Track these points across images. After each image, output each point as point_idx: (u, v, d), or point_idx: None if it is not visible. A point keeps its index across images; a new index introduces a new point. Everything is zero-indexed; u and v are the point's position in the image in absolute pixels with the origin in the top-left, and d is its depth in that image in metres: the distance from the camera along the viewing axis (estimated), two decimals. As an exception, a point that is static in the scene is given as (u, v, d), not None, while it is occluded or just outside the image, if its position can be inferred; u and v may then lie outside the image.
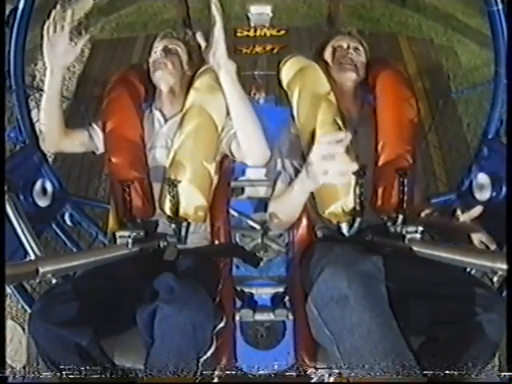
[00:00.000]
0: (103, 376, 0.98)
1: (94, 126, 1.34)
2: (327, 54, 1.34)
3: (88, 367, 0.97)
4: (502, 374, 0.89)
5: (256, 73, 2.47)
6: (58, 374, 0.96)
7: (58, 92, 1.23)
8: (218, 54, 1.06)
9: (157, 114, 1.33)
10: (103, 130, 1.30)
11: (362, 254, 0.96)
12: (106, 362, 1.01)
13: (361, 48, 1.33)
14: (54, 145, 1.34)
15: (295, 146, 1.25)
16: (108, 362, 1.02)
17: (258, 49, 2.87)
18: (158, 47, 1.32)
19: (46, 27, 1.16)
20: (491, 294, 0.96)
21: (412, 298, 1.02)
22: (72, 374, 0.95)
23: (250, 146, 1.18)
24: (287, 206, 1.14)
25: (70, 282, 1.07)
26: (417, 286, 1.03)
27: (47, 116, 1.27)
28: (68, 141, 1.32)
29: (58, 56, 1.18)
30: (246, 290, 1.45)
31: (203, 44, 1.07)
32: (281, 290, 1.43)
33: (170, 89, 1.30)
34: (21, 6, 1.35)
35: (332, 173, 0.84)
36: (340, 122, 1.20)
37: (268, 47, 2.90)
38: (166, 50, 1.30)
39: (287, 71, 1.34)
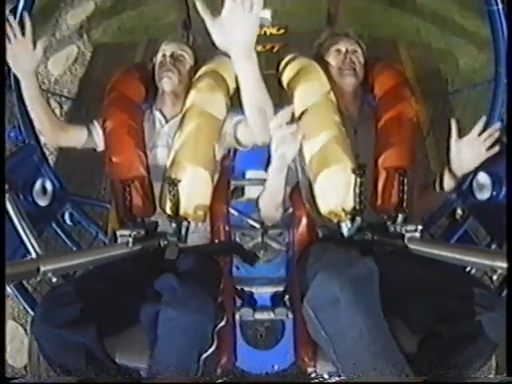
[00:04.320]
0: (106, 376, 0.98)
1: (95, 122, 1.34)
2: (326, 57, 1.35)
3: (91, 368, 0.97)
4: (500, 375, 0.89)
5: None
6: (62, 374, 0.97)
7: (37, 94, 1.25)
8: (245, 38, 0.89)
9: (157, 114, 1.34)
10: (103, 129, 1.31)
11: (355, 256, 0.97)
12: (109, 362, 1.02)
13: (359, 50, 1.34)
14: (50, 140, 1.38)
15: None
16: (111, 363, 1.02)
17: (258, 48, 2.86)
18: (167, 51, 1.32)
19: (6, 36, 1.14)
20: (491, 294, 0.97)
21: (412, 296, 1.02)
22: (76, 375, 0.96)
23: (261, 123, 1.09)
24: (269, 192, 1.18)
25: (71, 284, 1.08)
26: (417, 284, 1.03)
27: (34, 115, 1.30)
28: (65, 135, 1.34)
29: (23, 62, 1.17)
30: (246, 289, 1.45)
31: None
32: (281, 289, 1.43)
33: (172, 91, 1.31)
34: (21, 5, 1.35)
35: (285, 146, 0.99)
36: (340, 122, 1.20)
37: (268, 46, 2.90)
38: (175, 57, 1.31)
39: (287, 71, 1.34)
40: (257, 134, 1.15)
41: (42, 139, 1.43)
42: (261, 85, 1.02)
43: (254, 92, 1.02)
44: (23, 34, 1.15)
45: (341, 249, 1.06)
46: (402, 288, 1.02)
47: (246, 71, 0.98)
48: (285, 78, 1.34)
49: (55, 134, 1.33)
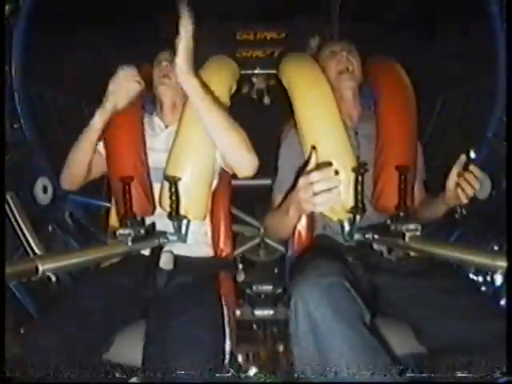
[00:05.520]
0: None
1: (100, 143, 1.34)
2: (323, 59, 1.35)
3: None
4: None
5: (256, 71, 2.46)
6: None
7: (99, 134, 1.24)
8: (178, 67, 1.02)
9: (156, 120, 1.35)
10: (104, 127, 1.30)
11: (333, 273, 0.95)
12: (105, 368, 1.02)
13: (354, 50, 1.34)
14: (78, 184, 1.33)
15: (296, 150, 1.25)
16: (108, 367, 1.03)
17: (258, 52, 2.84)
18: (162, 58, 1.33)
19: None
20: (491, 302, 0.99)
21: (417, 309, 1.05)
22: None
23: (234, 159, 1.13)
24: (280, 224, 1.16)
25: (69, 300, 1.10)
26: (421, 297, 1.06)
27: (80, 158, 1.25)
28: (89, 174, 1.32)
29: (120, 101, 1.21)
30: (247, 287, 1.45)
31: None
32: (280, 288, 1.43)
33: (172, 103, 1.33)
34: (21, 5, 1.35)
35: (319, 202, 0.86)
36: (340, 120, 1.20)
37: (268, 50, 2.87)
38: (172, 61, 1.31)
39: (287, 70, 1.34)
40: (234, 168, 1.15)
41: (65, 186, 1.35)
42: (220, 116, 1.05)
43: (211, 122, 1.05)
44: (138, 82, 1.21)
45: (322, 263, 1.04)
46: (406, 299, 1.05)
47: (193, 101, 1.04)
48: (285, 77, 1.34)
49: (85, 179, 1.31)
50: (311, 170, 0.90)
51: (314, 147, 1.05)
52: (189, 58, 1.01)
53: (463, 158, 1.07)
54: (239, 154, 1.10)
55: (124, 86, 1.20)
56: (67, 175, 1.30)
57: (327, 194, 0.86)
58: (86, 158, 1.25)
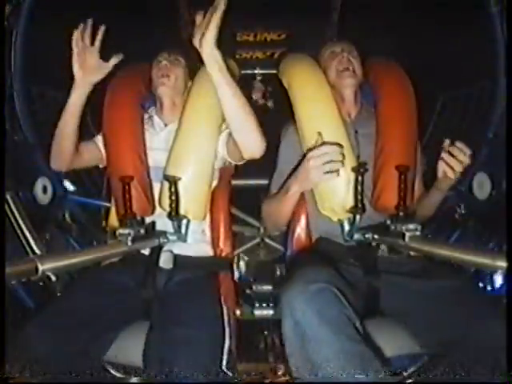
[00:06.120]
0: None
1: (99, 136, 1.34)
2: (323, 60, 1.35)
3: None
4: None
5: (256, 72, 2.47)
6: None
7: (80, 110, 1.18)
8: (205, 41, 0.97)
9: (156, 118, 1.35)
10: (104, 126, 1.30)
11: (322, 279, 0.94)
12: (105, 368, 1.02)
13: (354, 50, 1.34)
14: (65, 164, 1.30)
15: (296, 149, 1.25)
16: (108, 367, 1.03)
17: (258, 53, 2.84)
18: (162, 57, 1.33)
19: (74, 40, 1.09)
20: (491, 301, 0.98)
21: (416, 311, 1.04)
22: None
23: (244, 137, 1.10)
24: (278, 207, 1.16)
25: (68, 300, 1.10)
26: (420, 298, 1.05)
27: (63, 134, 1.21)
28: (79, 158, 1.30)
29: (88, 72, 1.12)
30: (246, 287, 1.45)
31: (198, 22, 0.98)
32: (279, 288, 1.42)
33: (171, 102, 1.33)
34: (21, 5, 1.36)
35: (328, 170, 0.97)
36: (340, 120, 1.20)
37: (268, 52, 2.87)
38: (170, 60, 1.32)
39: (288, 71, 1.34)
40: (242, 147, 1.13)
41: (53, 165, 1.31)
42: (238, 93, 1.03)
43: (229, 95, 1.03)
44: (93, 43, 1.10)
45: (311, 268, 1.04)
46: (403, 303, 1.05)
47: (213, 72, 1.01)
48: (285, 78, 1.34)
49: (72, 159, 1.28)
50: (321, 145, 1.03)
51: (319, 133, 1.14)
52: (216, 34, 0.97)
53: (447, 142, 1.05)
54: (251, 131, 1.08)
55: (82, 48, 1.10)
56: (53, 152, 1.27)
57: (335, 164, 1.01)
58: (69, 135, 1.21)
